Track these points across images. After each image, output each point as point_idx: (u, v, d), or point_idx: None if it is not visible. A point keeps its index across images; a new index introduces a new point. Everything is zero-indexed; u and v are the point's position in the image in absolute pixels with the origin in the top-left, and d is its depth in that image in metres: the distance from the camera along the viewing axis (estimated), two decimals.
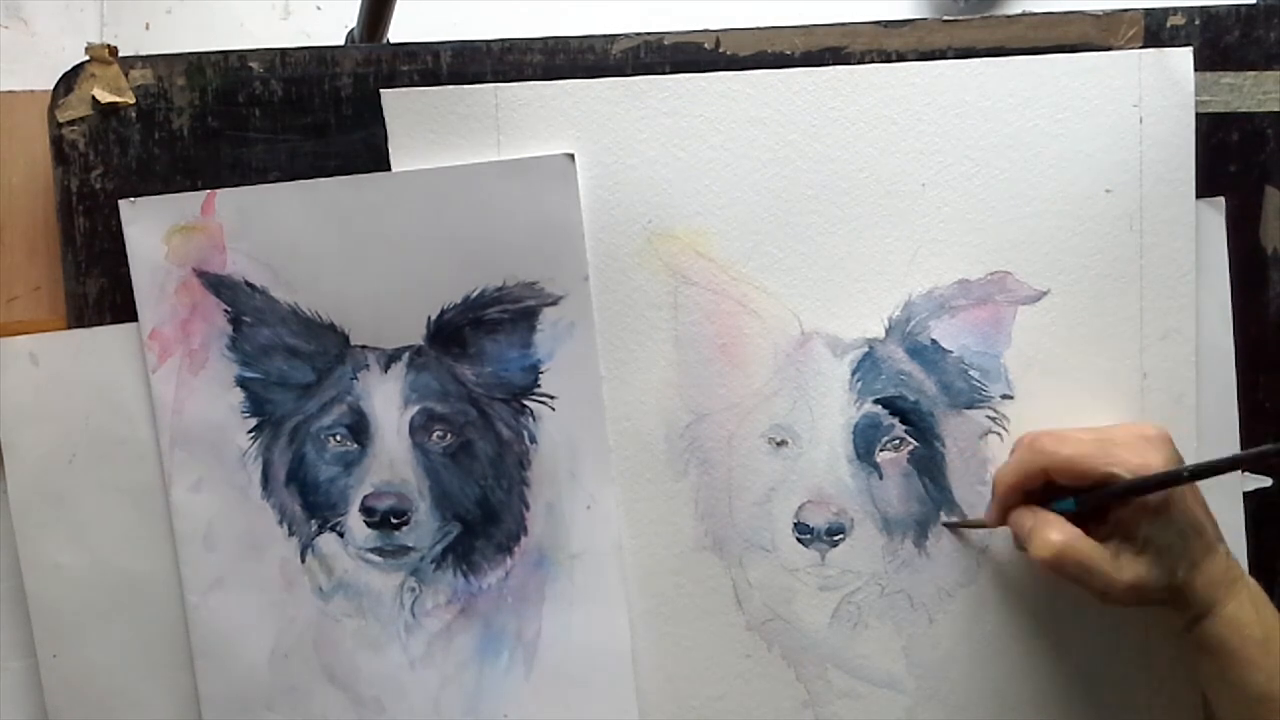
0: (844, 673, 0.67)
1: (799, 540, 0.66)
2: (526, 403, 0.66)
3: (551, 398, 0.66)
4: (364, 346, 0.66)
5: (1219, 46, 0.67)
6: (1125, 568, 0.59)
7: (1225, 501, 0.67)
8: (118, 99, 0.66)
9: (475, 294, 0.65)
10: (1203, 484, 0.66)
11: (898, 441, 0.66)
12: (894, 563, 0.67)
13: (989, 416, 0.66)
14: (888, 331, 0.66)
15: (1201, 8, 0.67)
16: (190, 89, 0.67)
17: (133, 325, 0.66)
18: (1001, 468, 0.64)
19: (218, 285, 0.66)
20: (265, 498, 0.66)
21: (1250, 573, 0.66)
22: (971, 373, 0.66)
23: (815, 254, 0.66)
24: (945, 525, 0.66)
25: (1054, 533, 0.60)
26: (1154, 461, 0.59)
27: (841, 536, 0.66)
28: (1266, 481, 0.68)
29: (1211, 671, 0.61)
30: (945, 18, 0.67)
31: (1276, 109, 0.67)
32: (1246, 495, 0.68)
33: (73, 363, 0.67)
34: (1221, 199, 0.67)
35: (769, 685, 0.67)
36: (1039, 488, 0.62)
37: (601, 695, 0.66)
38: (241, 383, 0.66)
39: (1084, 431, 0.62)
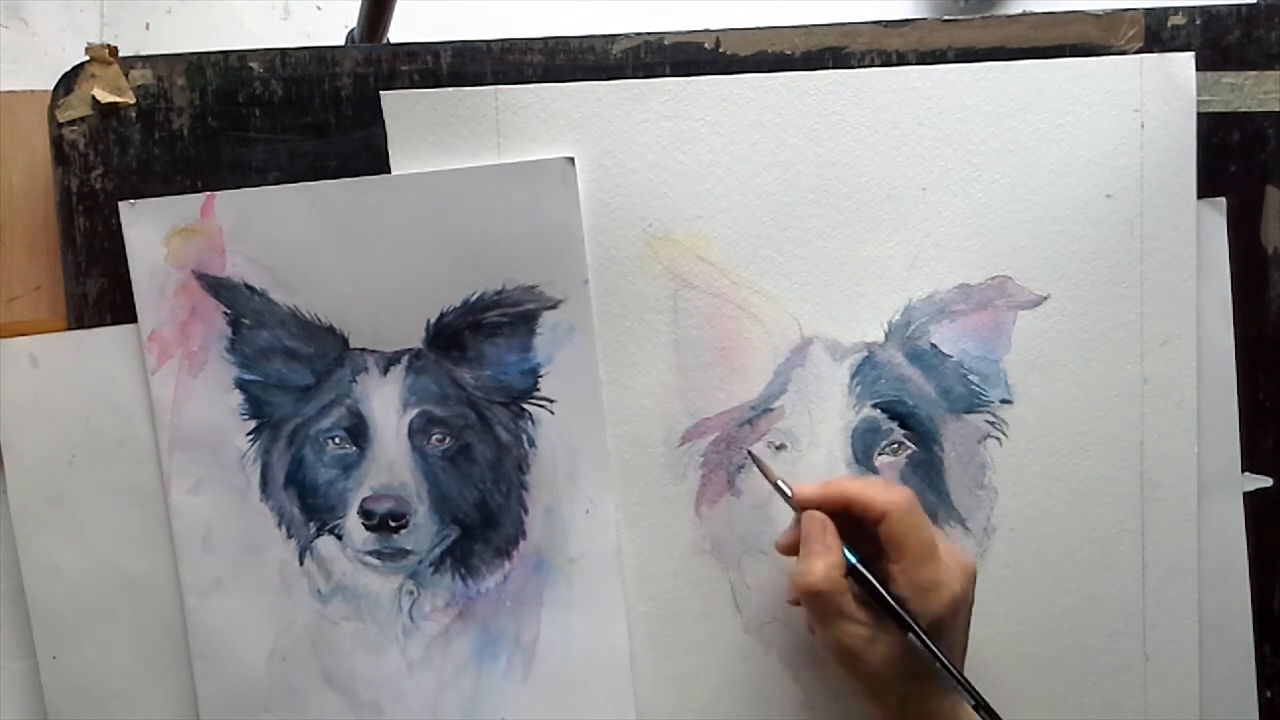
0: (842, 675, 0.67)
1: None
2: (526, 406, 0.66)
3: (551, 401, 0.66)
4: (363, 349, 0.66)
5: (1219, 46, 0.67)
6: (880, 644, 0.58)
7: (1225, 501, 0.67)
8: (118, 99, 0.66)
9: (474, 297, 0.65)
10: (1202, 485, 0.66)
11: (896, 446, 0.66)
12: None
13: (988, 421, 0.66)
14: (887, 335, 0.66)
15: (1202, 7, 0.67)
16: (190, 89, 0.67)
17: (133, 326, 0.66)
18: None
19: (217, 287, 0.66)
20: (264, 500, 0.66)
21: (1250, 573, 0.66)
22: (971, 377, 0.66)
23: (815, 258, 0.66)
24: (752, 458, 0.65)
25: (819, 565, 0.58)
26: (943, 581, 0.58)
27: None
28: (1267, 481, 0.68)
29: None
30: (945, 18, 0.67)
31: (1277, 109, 0.67)
32: (1247, 495, 0.67)
33: (73, 364, 0.67)
34: (1222, 199, 0.67)
35: (767, 688, 0.67)
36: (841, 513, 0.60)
37: (600, 699, 0.66)
38: (240, 385, 0.66)
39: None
